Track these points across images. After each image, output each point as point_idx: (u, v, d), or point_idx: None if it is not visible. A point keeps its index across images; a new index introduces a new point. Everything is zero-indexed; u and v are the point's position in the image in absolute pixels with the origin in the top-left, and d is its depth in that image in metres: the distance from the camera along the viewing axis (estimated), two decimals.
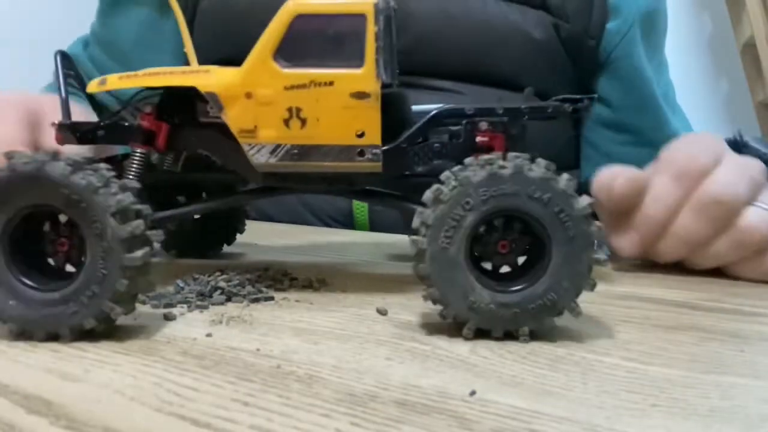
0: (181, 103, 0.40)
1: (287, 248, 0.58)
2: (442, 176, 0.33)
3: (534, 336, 0.33)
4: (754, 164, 0.51)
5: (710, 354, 0.33)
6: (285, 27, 0.36)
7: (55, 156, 0.32)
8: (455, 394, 0.27)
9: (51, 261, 0.34)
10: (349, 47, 0.36)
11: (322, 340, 0.33)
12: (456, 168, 0.33)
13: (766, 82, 1.68)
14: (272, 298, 0.41)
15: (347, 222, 0.75)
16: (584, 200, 0.33)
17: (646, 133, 0.78)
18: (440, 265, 0.33)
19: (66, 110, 0.40)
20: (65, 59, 0.41)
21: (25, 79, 0.81)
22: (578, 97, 0.42)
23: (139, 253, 0.32)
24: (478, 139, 0.39)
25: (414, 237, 0.33)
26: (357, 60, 0.36)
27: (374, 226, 0.74)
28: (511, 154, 0.33)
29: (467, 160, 0.34)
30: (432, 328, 0.35)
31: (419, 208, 0.33)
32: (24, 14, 1.56)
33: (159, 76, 0.39)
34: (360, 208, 0.74)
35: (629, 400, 0.27)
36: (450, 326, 0.35)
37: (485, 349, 0.33)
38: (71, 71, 0.41)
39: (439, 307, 0.34)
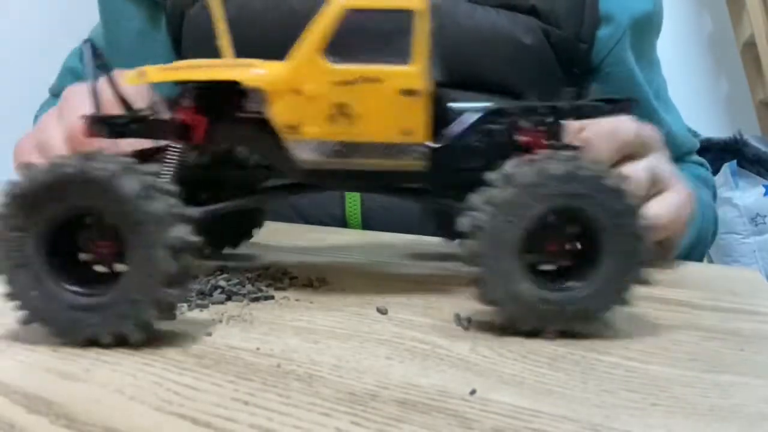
0: (220, 98, 0.39)
1: (287, 247, 0.58)
2: (512, 163, 0.33)
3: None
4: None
5: (710, 353, 0.33)
6: (334, 22, 0.35)
7: (102, 158, 0.31)
8: (455, 393, 0.27)
9: (83, 257, 0.33)
10: (398, 43, 0.36)
11: (322, 339, 0.33)
12: (537, 156, 0.33)
13: (767, 81, 1.68)
14: (272, 297, 0.41)
15: (339, 227, 0.74)
16: (646, 220, 0.33)
17: None
18: (492, 246, 0.33)
19: (96, 102, 0.38)
20: (95, 49, 0.39)
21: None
22: (618, 98, 0.42)
23: (183, 261, 0.31)
24: (520, 138, 0.39)
25: (473, 213, 0.33)
26: (407, 56, 0.36)
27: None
28: (591, 157, 0.33)
29: (545, 153, 0.33)
30: (432, 327, 0.35)
31: (483, 188, 0.33)
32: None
33: (201, 70, 0.38)
34: (353, 213, 0.73)
35: (629, 399, 0.27)
36: (450, 326, 0.35)
37: (485, 348, 0.33)
38: (100, 61, 0.40)
39: (476, 290, 0.33)
